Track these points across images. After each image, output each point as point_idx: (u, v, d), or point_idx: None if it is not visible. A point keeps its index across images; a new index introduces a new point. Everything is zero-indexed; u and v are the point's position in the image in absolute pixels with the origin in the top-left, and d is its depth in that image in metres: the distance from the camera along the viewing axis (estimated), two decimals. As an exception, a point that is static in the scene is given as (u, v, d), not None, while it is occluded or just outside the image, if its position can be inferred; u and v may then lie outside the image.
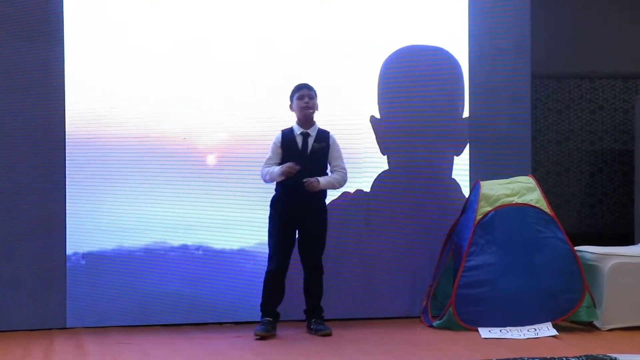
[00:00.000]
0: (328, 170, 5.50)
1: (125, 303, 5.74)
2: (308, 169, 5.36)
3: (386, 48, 6.05)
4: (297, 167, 5.31)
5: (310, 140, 5.44)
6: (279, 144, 5.44)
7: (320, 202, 5.48)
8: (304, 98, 5.43)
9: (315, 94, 5.49)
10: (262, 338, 5.28)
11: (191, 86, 5.82)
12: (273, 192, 5.48)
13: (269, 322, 5.39)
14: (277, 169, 5.36)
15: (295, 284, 5.53)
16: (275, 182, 5.44)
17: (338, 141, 5.51)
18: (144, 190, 5.79)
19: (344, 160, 5.51)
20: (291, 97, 5.49)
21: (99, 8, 5.75)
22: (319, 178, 5.36)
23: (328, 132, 5.50)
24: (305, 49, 5.94)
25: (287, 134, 5.47)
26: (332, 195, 5.87)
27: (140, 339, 5.36)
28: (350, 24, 6.01)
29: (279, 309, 5.50)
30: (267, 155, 5.46)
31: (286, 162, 5.37)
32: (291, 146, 5.43)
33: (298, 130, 5.46)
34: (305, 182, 5.31)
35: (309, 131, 5.46)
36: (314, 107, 5.46)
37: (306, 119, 5.45)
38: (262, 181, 5.50)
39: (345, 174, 5.50)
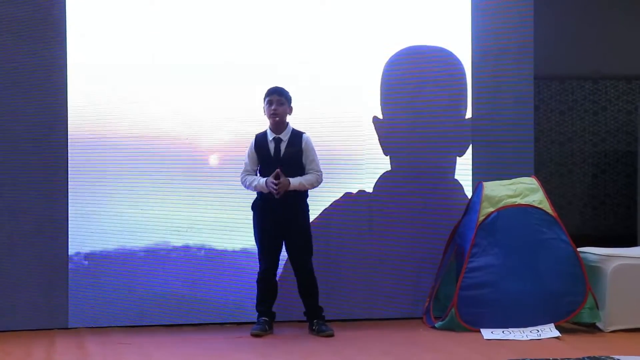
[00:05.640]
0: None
1: (127, 303, 5.74)
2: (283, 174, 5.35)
3: (389, 48, 6.04)
4: (277, 190, 5.29)
5: (283, 146, 5.42)
6: (253, 149, 5.46)
7: (300, 205, 5.46)
8: (272, 104, 5.41)
9: (287, 98, 5.45)
10: (258, 336, 5.32)
11: (193, 86, 5.82)
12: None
13: (265, 321, 5.42)
14: (261, 181, 5.35)
15: (295, 284, 5.53)
16: None
17: (313, 143, 5.48)
18: (146, 191, 5.79)
19: (320, 162, 5.48)
20: (264, 100, 5.48)
21: (101, 10, 5.75)
22: (289, 178, 5.34)
23: (302, 135, 5.46)
24: (306, 49, 5.92)
25: (260, 140, 5.46)
26: (334, 196, 5.88)
27: (142, 339, 5.36)
28: (352, 24, 6.00)
29: (277, 309, 5.53)
30: (244, 161, 5.47)
31: (262, 167, 5.41)
32: (264, 152, 5.43)
33: (270, 136, 5.44)
34: (277, 184, 5.29)
35: (280, 136, 5.43)
36: (281, 114, 5.41)
37: (275, 125, 5.44)
38: None
39: (320, 175, 5.45)
